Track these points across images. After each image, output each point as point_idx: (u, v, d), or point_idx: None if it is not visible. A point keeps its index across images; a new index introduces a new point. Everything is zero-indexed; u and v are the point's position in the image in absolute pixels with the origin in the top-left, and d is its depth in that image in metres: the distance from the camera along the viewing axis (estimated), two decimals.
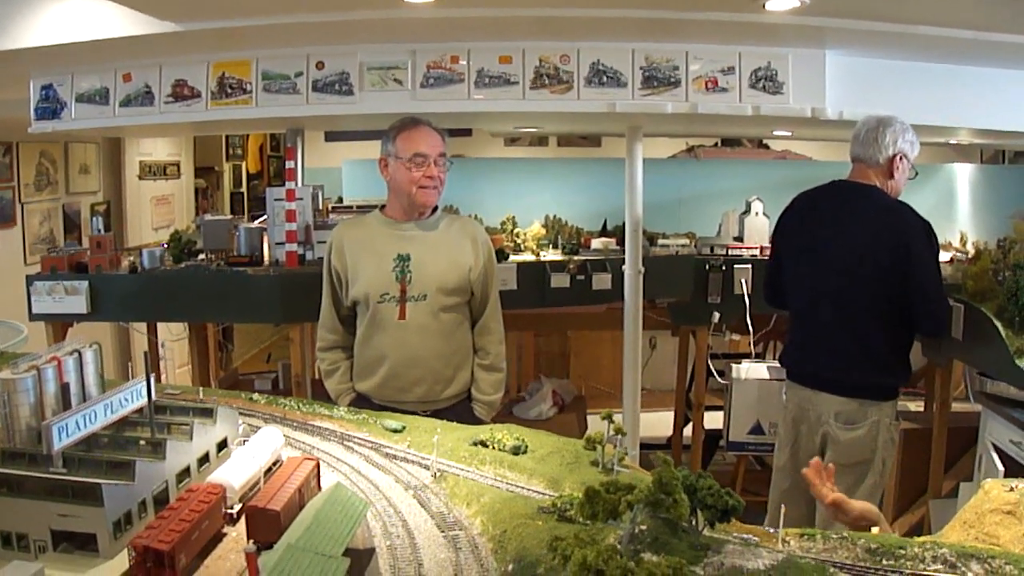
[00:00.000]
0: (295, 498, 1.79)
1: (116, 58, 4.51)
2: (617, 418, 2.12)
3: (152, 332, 6.10)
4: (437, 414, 3.20)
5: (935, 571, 1.57)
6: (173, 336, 7.09)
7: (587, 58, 4.29)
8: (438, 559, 1.69)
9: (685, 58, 4.26)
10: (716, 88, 4.26)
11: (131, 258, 5.19)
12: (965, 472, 4.98)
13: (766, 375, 5.41)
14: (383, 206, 4.01)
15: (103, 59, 4.52)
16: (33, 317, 4.79)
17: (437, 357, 3.79)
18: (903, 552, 1.62)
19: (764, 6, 3.48)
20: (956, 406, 5.13)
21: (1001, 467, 4.24)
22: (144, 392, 2.09)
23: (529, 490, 2.00)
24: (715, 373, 5.74)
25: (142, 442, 1.98)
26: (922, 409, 5.79)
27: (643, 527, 1.56)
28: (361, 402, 3.77)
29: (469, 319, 3.95)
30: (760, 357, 5.87)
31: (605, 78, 4.30)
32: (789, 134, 6.73)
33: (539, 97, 4.34)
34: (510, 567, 1.61)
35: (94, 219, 5.49)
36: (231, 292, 4.93)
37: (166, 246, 5.34)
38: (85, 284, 4.84)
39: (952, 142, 6.84)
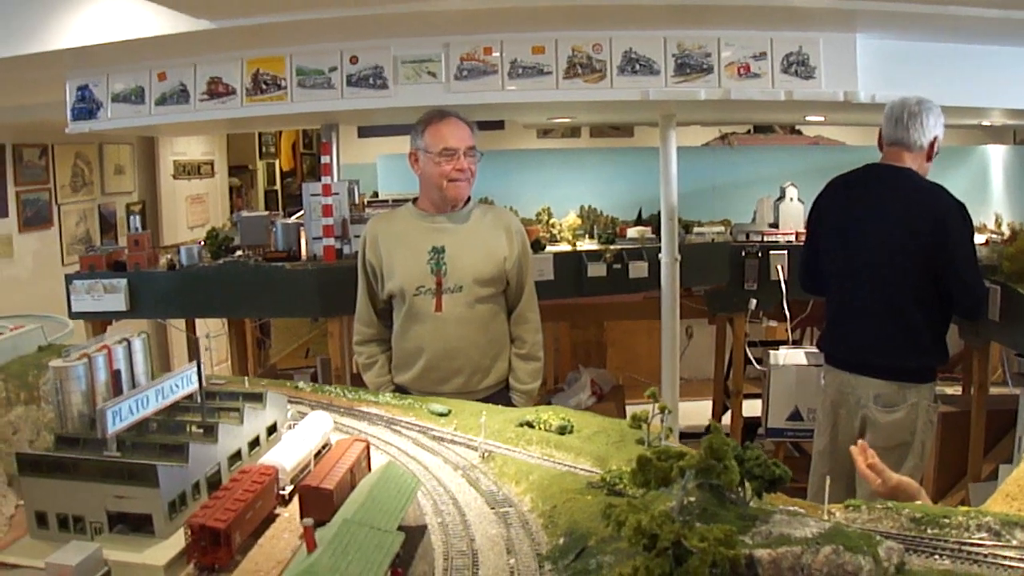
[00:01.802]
0: (347, 478, 1.83)
1: (151, 57, 4.56)
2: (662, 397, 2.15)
3: (191, 329, 6.17)
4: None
5: (980, 539, 1.59)
6: (212, 333, 7.20)
7: (619, 47, 4.30)
8: (489, 535, 1.73)
9: (717, 44, 4.26)
10: (748, 74, 4.26)
11: (168, 256, 5.26)
12: (1004, 455, 4.96)
13: (804, 361, 5.39)
14: (415, 199, 4.04)
15: (138, 58, 4.57)
16: (73, 315, 4.83)
17: (474, 347, 3.82)
18: (947, 521, 1.64)
19: None
20: (993, 390, 5.11)
21: None
22: (194, 378, 2.14)
23: (577, 468, 2.04)
24: (753, 360, 5.74)
25: (194, 426, 2.03)
26: (960, 393, 5.76)
27: (691, 499, 1.59)
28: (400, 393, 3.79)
29: (505, 309, 3.96)
30: (797, 343, 5.86)
31: (638, 66, 4.31)
32: (822, 119, 6.70)
33: (572, 87, 4.35)
34: (561, 540, 1.64)
35: (132, 218, 5.56)
36: (269, 287, 4.97)
37: (203, 243, 5.41)
38: (124, 282, 4.90)
39: (985, 123, 6.78)
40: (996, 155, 6.97)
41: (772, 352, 5.53)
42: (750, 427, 6.29)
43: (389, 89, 4.42)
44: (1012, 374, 5.59)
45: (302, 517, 1.78)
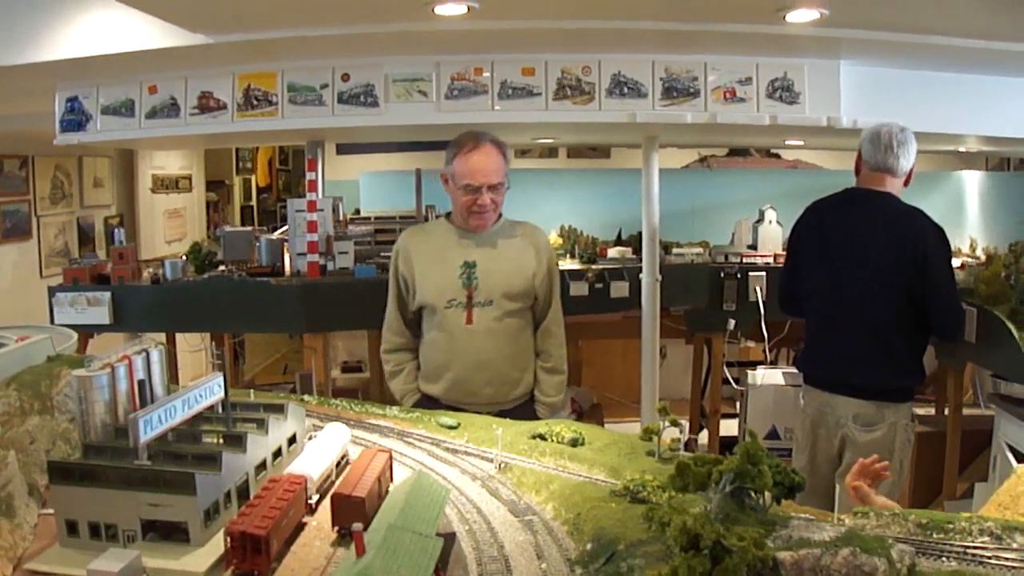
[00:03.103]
0: (375, 487, 1.89)
1: (142, 70, 4.58)
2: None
3: (171, 343, 6.16)
4: (502, 414, 3.28)
5: (983, 543, 1.68)
6: (190, 348, 7.19)
7: (608, 69, 4.39)
8: (517, 541, 1.79)
9: (704, 69, 4.37)
10: (734, 98, 4.37)
11: (150, 269, 5.27)
12: (978, 474, 5.06)
13: (781, 381, 5.49)
14: (448, 213, 4.11)
15: (129, 71, 4.59)
16: None
17: (503, 360, 3.90)
18: (951, 526, 1.73)
19: (784, 18, 3.58)
20: (965, 411, 5.22)
21: (1017, 466, 4.32)
22: (217, 388, 2.18)
23: (593, 478, 2.10)
24: (730, 380, 5.82)
25: (219, 436, 2.07)
26: (933, 413, 5.87)
27: (715, 507, 1.66)
28: (427, 403, 3.86)
29: (531, 323, 4.04)
30: (774, 364, 5.96)
31: (626, 89, 4.41)
32: (801, 143, 6.84)
33: (561, 108, 4.44)
34: (588, 546, 1.71)
35: (116, 231, 5.57)
36: (254, 302, 5.00)
37: (185, 257, 5.42)
38: (108, 295, 4.91)
39: (961, 150, 6.96)
40: (971, 181, 7.15)
41: (750, 372, 5.62)
42: (727, 446, 6.37)
43: (380, 107, 4.47)
44: (986, 395, 5.71)
45: (334, 524, 1.84)
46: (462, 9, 3.53)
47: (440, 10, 3.53)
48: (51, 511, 1.91)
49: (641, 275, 5.26)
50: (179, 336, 6.18)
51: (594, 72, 4.41)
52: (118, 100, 4.73)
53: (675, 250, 5.94)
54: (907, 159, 4.04)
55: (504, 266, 3.90)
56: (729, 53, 4.32)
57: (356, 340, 7.74)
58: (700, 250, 6.00)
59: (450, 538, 1.81)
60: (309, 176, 5.40)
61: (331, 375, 7.33)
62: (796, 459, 4.46)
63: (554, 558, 1.71)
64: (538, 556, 1.72)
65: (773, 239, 5.87)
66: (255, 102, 4.55)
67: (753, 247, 5.99)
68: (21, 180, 7.31)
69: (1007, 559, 1.63)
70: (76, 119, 4.82)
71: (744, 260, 5.81)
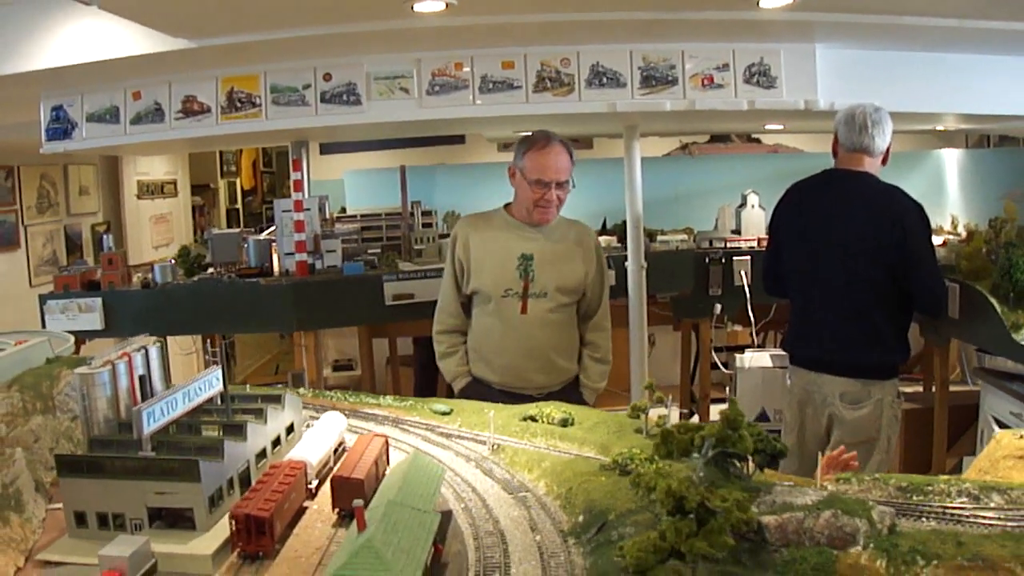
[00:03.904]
0: (373, 469, 1.95)
1: (125, 76, 4.62)
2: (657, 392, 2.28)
3: (164, 346, 6.17)
4: (550, 396, 3.43)
5: (961, 503, 1.75)
6: (182, 351, 7.21)
7: (587, 60, 4.45)
8: (512, 516, 1.86)
9: (681, 57, 4.43)
10: (712, 85, 4.43)
11: (140, 274, 5.31)
12: (966, 449, 5.13)
13: (769, 363, 5.53)
14: (507, 205, 4.27)
15: (113, 78, 4.63)
16: None
17: (554, 348, 4.09)
18: (930, 488, 1.80)
19: (758, 3, 3.64)
20: (952, 388, 5.28)
21: (997, 432, 4.39)
22: (216, 381, 2.25)
23: (583, 455, 2.16)
24: (719, 364, 5.88)
25: (219, 427, 2.13)
26: (921, 391, 5.94)
27: (700, 474, 1.73)
28: (478, 385, 4.08)
29: (576, 315, 4.23)
30: (761, 347, 6.01)
31: (605, 79, 4.46)
32: (781, 127, 6.91)
33: (542, 100, 4.49)
34: (581, 518, 1.78)
35: (104, 237, 5.59)
36: (244, 303, 5.07)
37: (174, 261, 5.46)
38: (99, 301, 4.96)
39: (939, 128, 7.02)
40: (950, 159, 7.21)
41: (738, 356, 5.66)
42: None
43: (363, 105, 4.52)
44: (972, 370, 5.78)
45: (335, 506, 1.90)
46: (440, 6, 3.58)
47: (419, 7, 3.58)
48: (58, 506, 1.96)
49: (627, 263, 5.31)
50: (171, 340, 6.20)
51: (573, 64, 4.46)
52: (103, 107, 4.76)
53: (660, 237, 6.00)
54: (882, 138, 4.09)
55: (559, 262, 4.09)
56: (705, 40, 4.38)
57: (347, 339, 7.78)
58: (684, 237, 6.06)
59: (447, 515, 1.87)
60: (295, 176, 5.46)
61: (323, 374, 7.38)
62: (785, 439, 4.50)
63: (548, 530, 1.77)
64: (532, 529, 1.79)
65: (756, 223, 5.93)
66: (239, 104, 4.59)
67: (737, 232, 6.05)
68: (7, 190, 7.33)
69: (984, 517, 1.69)
70: (62, 127, 4.85)
71: (728, 245, 5.87)
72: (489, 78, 4.51)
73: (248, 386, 2.84)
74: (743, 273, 5.71)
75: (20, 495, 1.95)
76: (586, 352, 4.26)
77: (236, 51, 4.16)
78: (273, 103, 4.57)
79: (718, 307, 5.83)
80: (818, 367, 4.27)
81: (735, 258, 5.76)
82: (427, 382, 6.47)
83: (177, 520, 1.86)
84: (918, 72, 4.57)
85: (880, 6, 3.86)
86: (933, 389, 5.20)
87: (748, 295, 5.65)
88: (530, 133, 4.24)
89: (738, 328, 6.28)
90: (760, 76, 4.40)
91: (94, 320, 4.94)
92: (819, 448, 4.22)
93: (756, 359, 5.60)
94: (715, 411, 6.23)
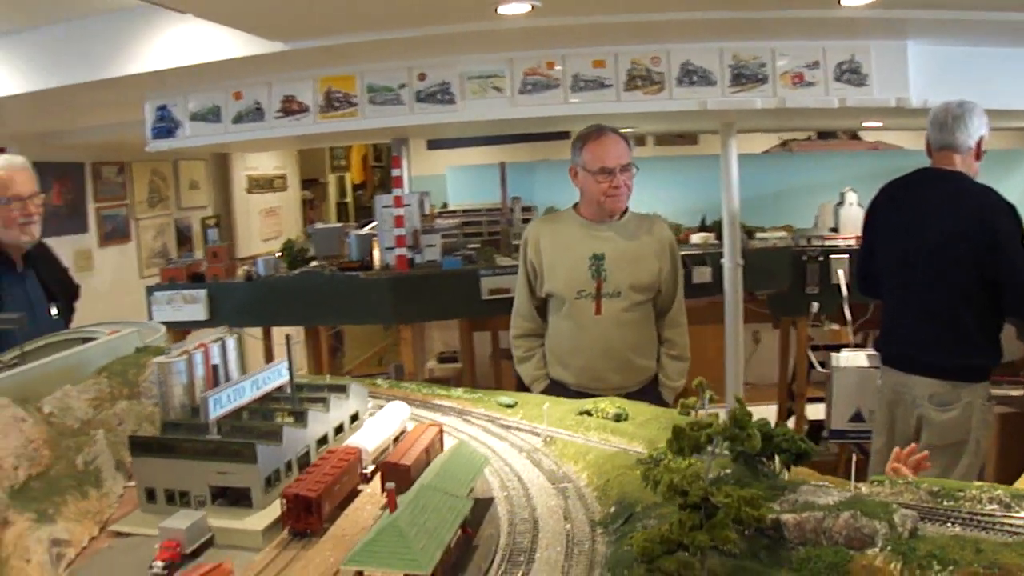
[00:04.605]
0: (422, 456, 2.05)
1: (227, 78, 4.85)
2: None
3: (267, 337, 6.39)
4: (629, 396, 3.38)
5: (991, 510, 1.74)
6: (294, 341, 7.42)
7: (677, 59, 4.48)
8: (549, 505, 1.93)
9: (772, 55, 4.43)
10: (802, 83, 4.42)
11: (245, 267, 5.52)
12: None
13: (865, 363, 5.44)
14: (576, 205, 4.23)
15: (214, 79, 4.86)
16: None
17: (630, 348, 4.05)
18: (962, 494, 1.79)
19: (840, 2, 3.62)
20: None
21: None
22: (285, 371, 2.38)
23: (630, 450, 2.22)
24: (816, 364, 5.82)
25: (285, 413, 2.26)
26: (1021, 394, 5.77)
27: (727, 470, 1.78)
28: (557, 388, 4.04)
29: (653, 313, 4.17)
30: (859, 346, 5.93)
31: (695, 77, 4.49)
32: (879, 125, 6.78)
33: (633, 98, 4.54)
34: (612, 509, 1.84)
35: (209, 231, 5.82)
36: (344, 296, 5.22)
37: (279, 255, 5.65)
38: (203, 293, 5.18)
39: None
40: None
41: (834, 355, 5.59)
42: (817, 430, 6.36)
43: (456, 104, 4.64)
44: None
45: (383, 491, 2.00)
46: (525, 8, 3.67)
47: (503, 10, 3.67)
48: (134, 483, 2.11)
49: (723, 260, 5.31)
50: (275, 331, 6.42)
51: (663, 62, 4.51)
52: (205, 107, 5.00)
53: (758, 235, 5.97)
54: (966, 134, 4.01)
55: (632, 260, 4.02)
56: (796, 38, 4.37)
57: (452, 331, 7.92)
58: (783, 234, 6.01)
59: (488, 503, 1.96)
60: (395, 172, 5.60)
61: (427, 365, 7.53)
62: (875, 440, 4.47)
63: (580, 520, 1.84)
64: (565, 518, 1.86)
65: (854, 221, 5.83)
66: (336, 104, 4.76)
67: (835, 230, 5.98)
68: (119, 185, 7.70)
69: (1013, 525, 1.69)
70: (166, 126, 5.10)
71: (826, 243, 5.80)
72: (580, 77, 4.58)
73: (328, 376, 2.96)
74: (840, 272, 5.63)
75: (99, 472, 2.12)
76: (663, 350, 4.21)
77: (332, 53, 4.32)
78: (369, 102, 4.73)
79: (815, 305, 5.77)
80: (908, 368, 4.22)
81: (832, 256, 5.69)
82: None
83: (239, 498, 2.00)
84: (1013, 68, 4.47)
85: (972, 2, 3.79)
86: None
87: (845, 293, 5.58)
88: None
89: (837, 327, 6.20)
90: (851, 73, 4.37)
91: (198, 311, 5.14)
92: None
93: (852, 359, 5.52)
94: (812, 411, 6.19)
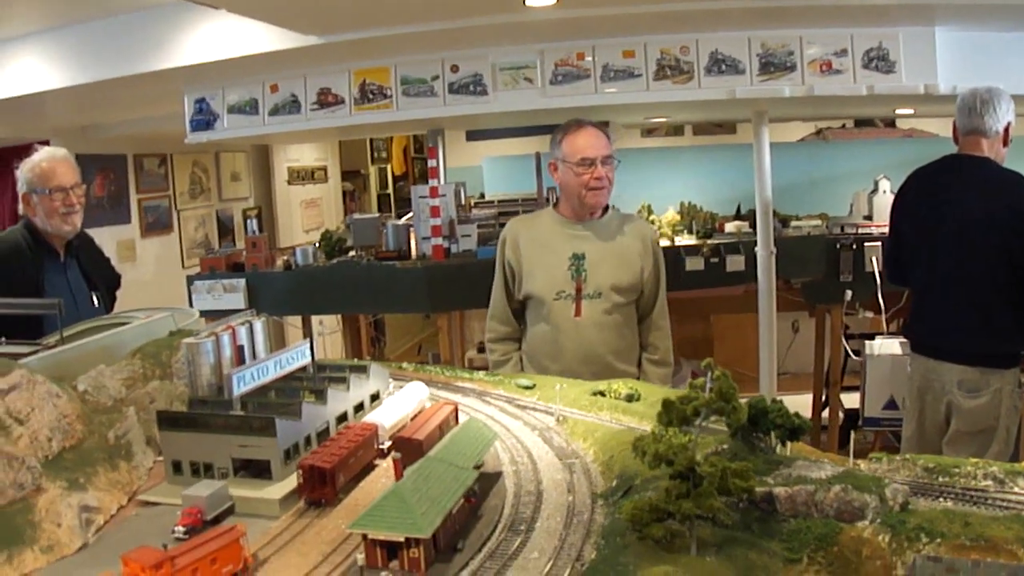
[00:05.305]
0: (435, 432, 2.14)
1: (263, 71, 4.96)
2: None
3: (306, 325, 6.51)
4: None
5: (984, 486, 1.79)
6: (327, 330, 7.58)
7: (706, 48, 4.52)
8: (555, 479, 2.00)
9: (800, 43, 4.45)
10: (831, 71, 4.43)
11: (284, 257, 5.62)
12: None
13: (898, 350, 5.44)
14: (555, 203, 4.16)
15: (251, 72, 4.97)
16: None
17: (611, 352, 3.93)
18: (957, 471, 1.83)
19: None
20: None
21: None
22: (307, 352, 2.48)
23: (638, 429, 2.28)
24: (849, 352, 5.83)
25: (307, 391, 2.35)
26: None
27: (724, 445, 1.84)
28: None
29: (635, 316, 4.06)
30: (894, 334, 5.92)
31: (724, 66, 4.52)
32: (912, 112, 6.75)
33: (662, 88, 4.59)
34: (614, 482, 1.91)
35: (249, 221, 5.94)
36: (381, 285, 5.30)
37: (317, 245, 5.76)
38: (243, 282, 5.29)
39: None
40: None
41: (867, 342, 5.60)
42: (853, 418, 6.35)
43: (489, 95, 4.72)
44: None
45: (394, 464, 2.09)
46: (552, 0, 3.72)
47: (531, 2, 3.74)
48: (163, 457, 2.22)
49: (756, 248, 5.34)
50: (315, 319, 6.53)
51: (692, 51, 4.54)
52: (243, 99, 5.13)
53: (793, 223, 5.98)
54: (994, 118, 4.01)
55: (613, 259, 3.92)
56: (823, 26, 4.39)
57: None
58: (818, 222, 6.03)
59: (496, 476, 2.03)
60: (431, 163, 5.69)
61: (467, 355, 7.62)
62: (905, 427, 4.49)
63: (582, 492, 1.91)
64: (568, 491, 1.93)
65: (888, 209, 5.81)
66: (371, 96, 4.85)
67: (869, 218, 5.98)
68: (161, 177, 7.88)
69: (1003, 500, 1.73)
70: (205, 119, 5.23)
71: (859, 231, 5.81)
72: (611, 67, 4.63)
73: (355, 361, 3.05)
74: (874, 259, 5.63)
75: (130, 446, 2.22)
76: (645, 355, 4.09)
77: (367, 45, 4.41)
78: (403, 94, 4.82)
79: (849, 293, 5.77)
80: (936, 354, 4.23)
81: (866, 244, 5.69)
82: None
83: (261, 471, 2.09)
84: None
85: None
86: None
87: (878, 281, 5.58)
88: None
89: (870, 315, 6.20)
90: (879, 60, 4.38)
91: (238, 300, 5.24)
92: (939, 436, 4.21)
93: (885, 346, 5.51)
94: (848, 400, 6.18)
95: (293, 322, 6.59)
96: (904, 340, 5.39)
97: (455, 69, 4.75)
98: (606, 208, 4.05)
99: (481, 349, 8.21)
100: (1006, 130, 4.07)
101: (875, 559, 1.56)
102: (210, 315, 5.22)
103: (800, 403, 7.08)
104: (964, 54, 4.34)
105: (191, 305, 5.20)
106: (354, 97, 4.87)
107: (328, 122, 4.96)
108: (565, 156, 3.90)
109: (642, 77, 4.60)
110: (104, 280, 4.31)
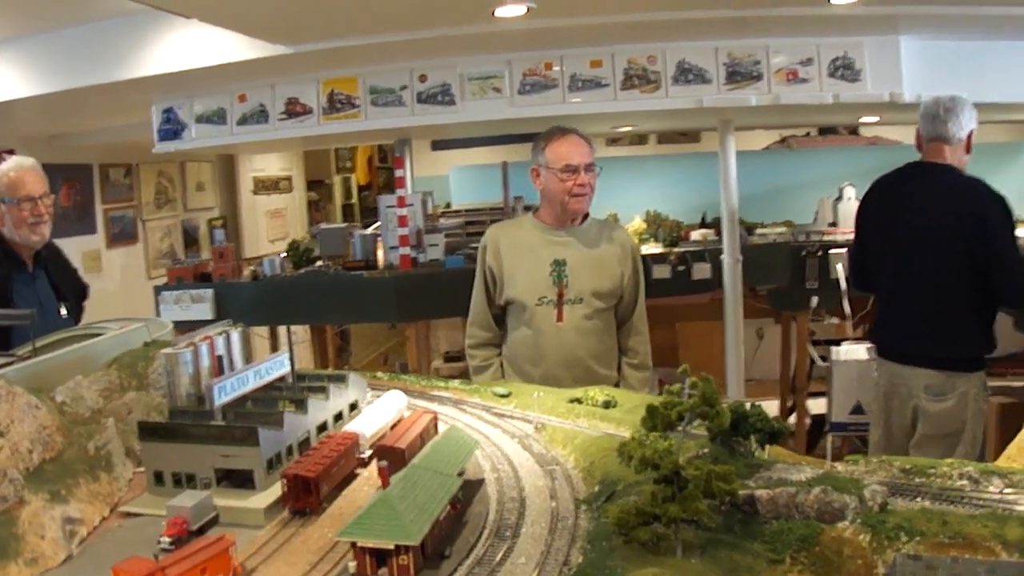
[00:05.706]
0: (417, 441, 2.15)
1: (232, 80, 4.96)
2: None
3: (273, 336, 6.48)
4: None
5: (960, 486, 1.82)
6: (298, 340, 7.54)
7: (673, 58, 4.57)
8: (536, 485, 2.02)
9: (766, 52, 4.51)
10: (796, 79, 4.50)
11: (252, 267, 5.63)
12: None
13: (864, 356, 5.51)
14: (536, 209, 4.18)
15: (219, 82, 4.97)
16: None
17: (592, 357, 3.96)
18: (933, 471, 1.87)
19: (830, 1, 3.70)
20: None
21: None
22: (286, 362, 2.47)
23: (617, 435, 2.30)
24: (816, 357, 5.89)
25: (287, 401, 2.35)
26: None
27: (705, 449, 1.86)
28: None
29: (615, 320, 4.09)
30: (860, 340, 6.00)
31: (691, 76, 4.57)
32: (877, 119, 6.85)
33: (630, 97, 4.63)
34: (596, 488, 1.93)
35: (215, 232, 5.91)
36: (348, 295, 5.31)
37: (285, 255, 5.74)
38: (210, 292, 5.28)
39: None
40: None
41: (834, 348, 5.67)
42: (820, 423, 6.41)
43: (457, 105, 4.74)
44: None
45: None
46: (521, 10, 3.74)
47: (500, 12, 3.76)
48: (143, 469, 2.21)
49: (722, 256, 5.38)
50: (281, 330, 6.48)
51: (659, 61, 4.59)
52: (211, 109, 5.12)
53: (759, 230, 6.05)
54: (957, 126, 4.08)
55: (594, 266, 3.95)
56: (790, 36, 4.46)
57: (458, 331, 8.00)
58: (783, 230, 6.10)
59: (478, 483, 2.05)
60: (398, 173, 5.68)
61: (433, 364, 7.60)
62: (872, 432, 4.53)
63: (565, 498, 1.93)
64: (551, 496, 1.95)
65: (853, 216, 5.90)
66: (339, 105, 4.86)
67: (834, 225, 6.05)
68: (126, 187, 7.82)
69: (977, 499, 1.77)
70: (172, 128, 5.22)
71: (824, 238, 5.88)
72: (578, 77, 4.66)
73: (331, 371, 3.05)
74: (839, 266, 5.70)
75: (110, 457, 2.21)
76: (624, 360, 4.12)
77: (335, 55, 4.42)
78: (372, 104, 4.83)
79: (815, 300, 5.84)
80: (902, 359, 4.28)
81: (831, 251, 5.76)
82: None
83: (243, 481, 2.09)
84: (1005, 62, 4.54)
85: None
86: None
87: (844, 288, 5.65)
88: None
89: (836, 321, 6.27)
90: (844, 69, 4.45)
91: (205, 310, 5.23)
92: (905, 440, 4.26)
93: (851, 352, 5.59)
94: (815, 405, 6.25)
95: (259, 332, 6.55)
96: (870, 345, 5.47)
97: (423, 79, 4.76)
98: (586, 215, 4.07)
99: (448, 359, 8.21)
100: (969, 137, 4.14)
101: (856, 558, 1.59)
102: (178, 326, 5.24)
103: (766, 409, 7.20)
104: (929, 63, 4.42)
105: (159, 315, 5.18)
106: (322, 107, 4.89)
107: (296, 132, 4.96)
108: (549, 162, 3.91)
109: (610, 87, 4.65)
110: (72, 291, 4.28)
